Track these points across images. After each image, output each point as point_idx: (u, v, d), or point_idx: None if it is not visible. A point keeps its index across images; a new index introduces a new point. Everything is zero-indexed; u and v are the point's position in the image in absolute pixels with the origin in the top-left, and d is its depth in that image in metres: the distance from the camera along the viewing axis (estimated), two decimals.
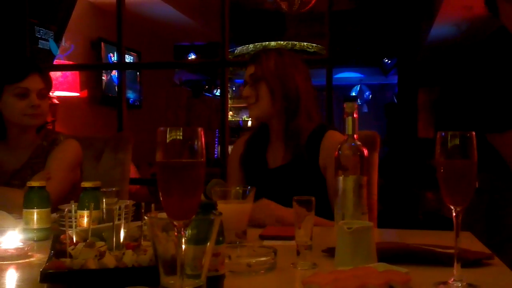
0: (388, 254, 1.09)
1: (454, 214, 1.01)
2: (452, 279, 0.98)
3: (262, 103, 1.83)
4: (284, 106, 1.82)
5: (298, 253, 1.14)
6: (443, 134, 1.00)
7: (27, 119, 1.96)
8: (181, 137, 0.80)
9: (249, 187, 1.44)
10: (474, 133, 1.00)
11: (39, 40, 3.84)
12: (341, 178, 1.42)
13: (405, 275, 0.92)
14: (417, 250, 1.16)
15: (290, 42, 7.11)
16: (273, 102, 1.81)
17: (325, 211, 1.69)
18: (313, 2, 5.10)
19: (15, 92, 1.94)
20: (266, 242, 1.38)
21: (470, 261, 1.09)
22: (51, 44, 3.89)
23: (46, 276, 0.95)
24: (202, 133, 0.80)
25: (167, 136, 0.79)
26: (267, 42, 7.31)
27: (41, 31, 3.85)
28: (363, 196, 1.42)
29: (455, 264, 0.99)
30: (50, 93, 2.10)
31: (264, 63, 1.83)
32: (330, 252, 1.17)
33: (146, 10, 5.92)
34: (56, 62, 4.11)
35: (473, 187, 1.01)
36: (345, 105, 1.43)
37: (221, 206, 1.32)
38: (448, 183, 1.01)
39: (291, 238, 1.19)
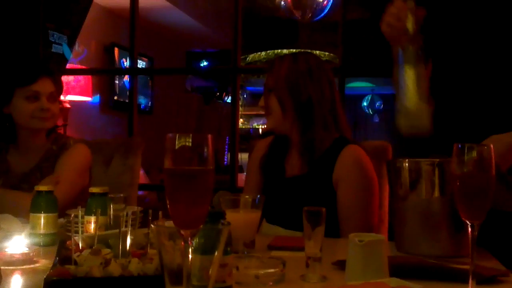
0: (400, 269, 1.06)
1: (469, 229, 0.98)
2: None
3: (274, 115, 1.77)
4: (297, 118, 1.74)
5: (307, 265, 1.12)
6: (459, 145, 0.98)
7: (36, 122, 1.95)
8: (190, 144, 0.78)
9: (258, 196, 1.41)
10: (492, 145, 0.97)
11: (53, 44, 3.85)
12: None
13: None
14: (431, 265, 1.13)
15: (302, 50, 7.08)
16: (284, 114, 1.74)
17: (335, 226, 1.66)
18: (326, 10, 5.08)
19: (25, 95, 1.94)
20: (275, 253, 1.36)
21: (485, 278, 1.06)
22: (65, 48, 3.90)
23: (49, 283, 0.93)
24: (211, 140, 0.78)
25: (176, 142, 0.77)
26: (279, 50, 7.30)
27: (55, 35, 3.87)
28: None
29: (470, 280, 0.96)
30: (61, 97, 2.09)
31: (276, 73, 1.76)
32: (340, 265, 1.15)
33: (160, 16, 5.94)
34: (69, 66, 4.12)
35: (490, 201, 0.98)
36: None
37: (230, 214, 1.30)
38: (465, 197, 0.98)
39: (300, 249, 1.16)
